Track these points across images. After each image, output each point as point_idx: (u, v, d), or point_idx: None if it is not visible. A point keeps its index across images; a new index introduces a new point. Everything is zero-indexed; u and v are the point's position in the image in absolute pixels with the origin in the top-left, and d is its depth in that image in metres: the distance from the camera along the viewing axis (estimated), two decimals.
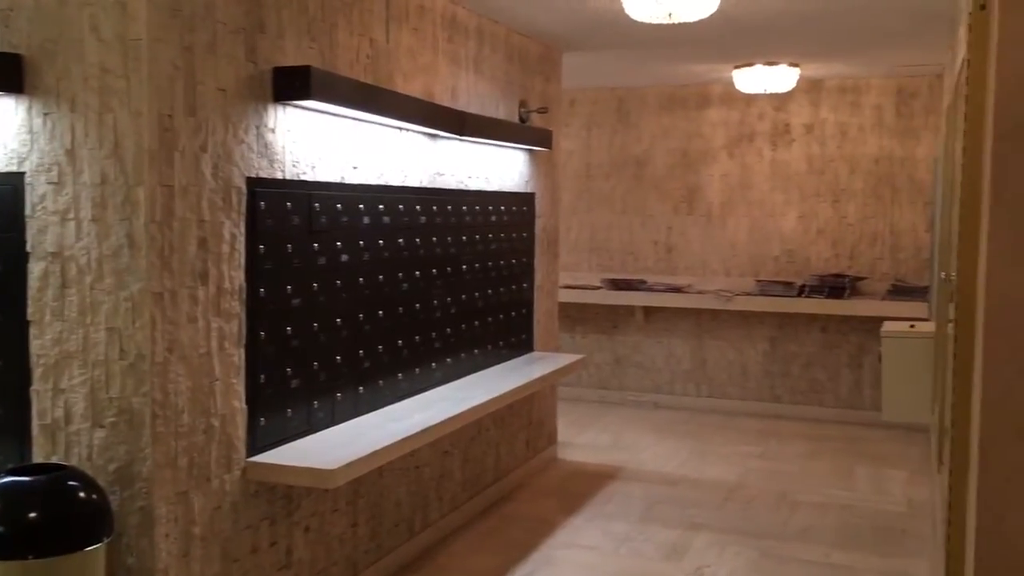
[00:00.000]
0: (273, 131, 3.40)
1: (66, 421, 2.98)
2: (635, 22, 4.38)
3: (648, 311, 7.84)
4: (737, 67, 6.58)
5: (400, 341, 4.28)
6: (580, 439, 6.73)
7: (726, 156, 7.75)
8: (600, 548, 4.67)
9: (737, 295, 7.39)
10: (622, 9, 4.28)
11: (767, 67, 6.46)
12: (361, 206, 3.96)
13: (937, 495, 4.30)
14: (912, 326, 5.25)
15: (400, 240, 4.25)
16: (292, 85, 3.34)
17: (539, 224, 5.88)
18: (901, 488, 5.72)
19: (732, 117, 7.70)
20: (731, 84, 7.01)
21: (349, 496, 3.90)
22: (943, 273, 4.08)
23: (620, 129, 8.04)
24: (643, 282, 7.79)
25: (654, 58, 6.47)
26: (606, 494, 5.51)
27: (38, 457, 3.01)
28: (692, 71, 7.01)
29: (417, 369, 4.43)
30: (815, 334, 7.46)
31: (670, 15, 3.98)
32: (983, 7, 2.23)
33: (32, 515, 2.65)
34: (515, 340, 5.58)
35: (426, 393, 4.45)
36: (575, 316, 7.97)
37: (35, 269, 2.98)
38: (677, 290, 7.64)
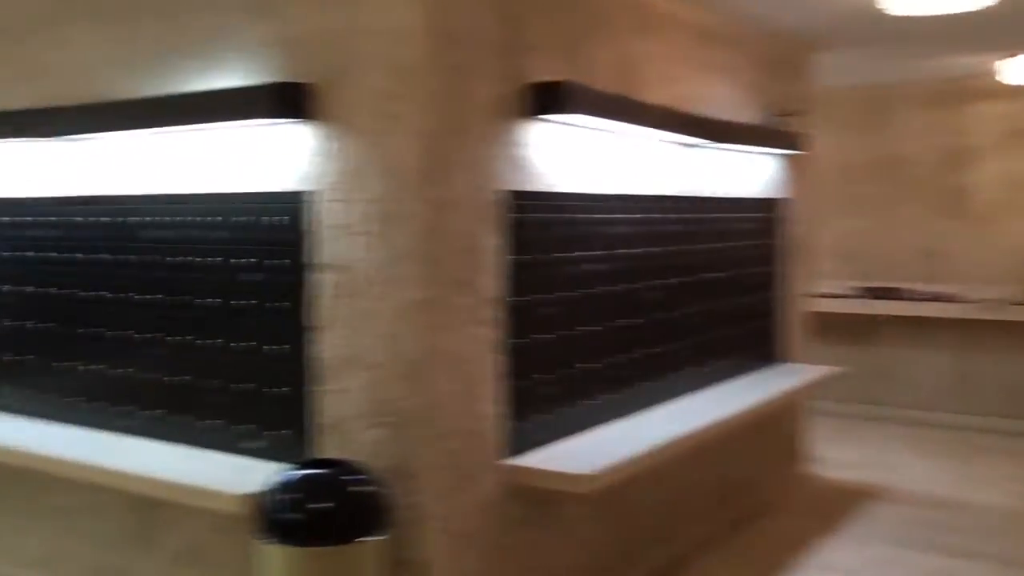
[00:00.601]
0: (529, 145, 3.52)
1: (345, 420, 3.23)
2: (892, 16, 4.14)
3: (908, 321, 7.35)
4: (1009, 56, 6.02)
5: (648, 350, 4.29)
6: (834, 455, 6.41)
7: (999, 154, 7.12)
8: (857, 572, 4.44)
9: (1013, 304, 6.77)
10: (878, 3, 4.06)
11: None
12: (610, 215, 4.01)
13: None
14: None
15: (647, 249, 4.27)
16: (548, 100, 3.44)
17: (790, 230, 5.68)
18: None
19: (1007, 111, 7.07)
20: (1004, 76, 6.44)
21: (601, 502, 3.95)
22: None
23: (875, 129, 7.61)
24: (902, 290, 7.32)
25: (913, 52, 6.07)
26: (862, 514, 5.23)
27: (319, 453, 3.28)
28: (956, 63, 6.50)
29: (665, 378, 4.42)
30: None
31: (941, 5, 3.72)
32: None
33: (324, 505, 2.90)
34: (764, 350, 5.43)
35: (674, 402, 4.43)
36: (828, 326, 7.60)
37: (320, 279, 3.26)
38: (940, 299, 7.12)
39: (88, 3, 3.86)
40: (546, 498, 3.62)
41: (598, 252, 3.94)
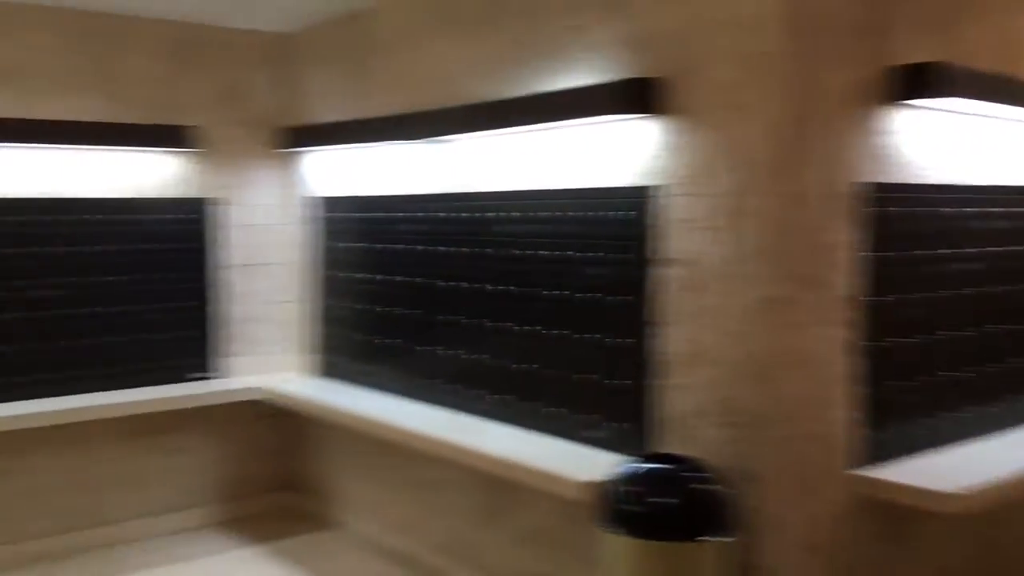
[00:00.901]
0: (889, 133, 3.25)
1: (687, 416, 3.19)
2: None
3: None
4: None
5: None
6: None
7: None
8: None
9: None
10: None
11: None
12: (986, 209, 3.62)
13: None
14: None
15: (1017, 246, 3.80)
16: (917, 83, 3.15)
17: None
18: None
19: None
20: None
21: (967, 526, 3.57)
22: None
23: None
24: None
25: None
26: None
27: (659, 447, 3.26)
28: None
29: None
30: None
31: None
32: None
33: (667, 501, 2.89)
34: None
35: None
36: None
37: (664, 274, 3.25)
38: None
39: (449, 14, 4.16)
40: (902, 515, 3.33)
41: (971, 250, 3.56)
